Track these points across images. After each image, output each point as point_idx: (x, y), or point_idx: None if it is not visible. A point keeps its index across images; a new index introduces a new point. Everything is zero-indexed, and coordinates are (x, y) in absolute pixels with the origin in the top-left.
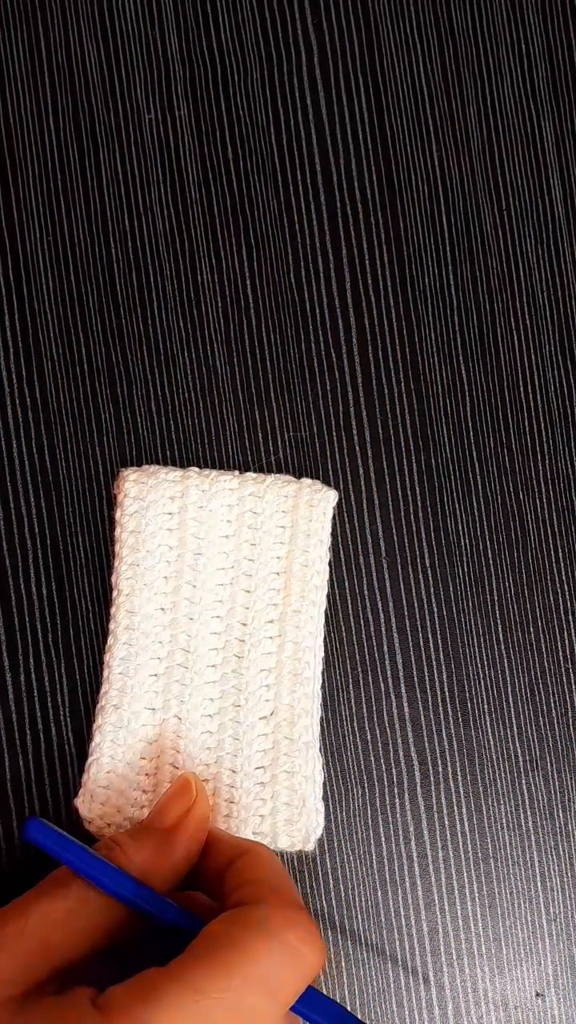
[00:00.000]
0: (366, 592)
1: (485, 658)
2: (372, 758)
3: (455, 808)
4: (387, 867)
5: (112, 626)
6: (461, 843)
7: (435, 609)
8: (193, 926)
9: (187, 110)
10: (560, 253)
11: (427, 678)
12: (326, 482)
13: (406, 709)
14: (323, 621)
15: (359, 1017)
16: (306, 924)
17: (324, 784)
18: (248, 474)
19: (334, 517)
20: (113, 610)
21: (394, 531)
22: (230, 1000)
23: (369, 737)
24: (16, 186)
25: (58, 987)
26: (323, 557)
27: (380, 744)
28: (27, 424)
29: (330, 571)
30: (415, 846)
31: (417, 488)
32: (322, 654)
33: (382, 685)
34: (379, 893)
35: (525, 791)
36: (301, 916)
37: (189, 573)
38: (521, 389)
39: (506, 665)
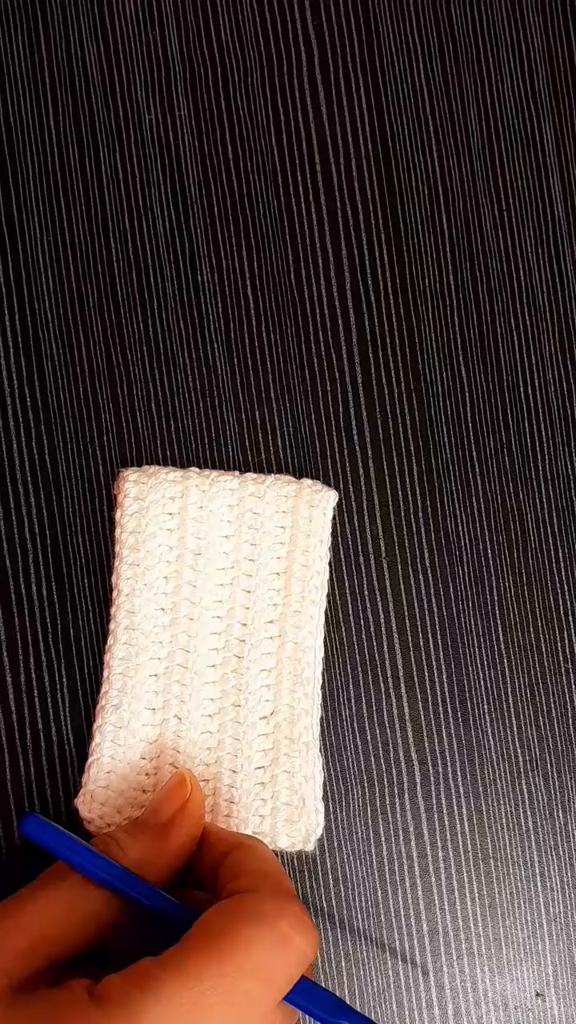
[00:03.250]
0: (366, 592)
1: (485, 658)
2: (372, 758)
3: (455, 808)
4: (387, 867)
5: (112, 626)
6: (461, 843)
7: (435, 609)
8: (188, 918)
9: (187, 110)
10: (560, 253)
11: (427, 678)
12: (326, 482)
13: (406, 709)
14: (323, 621)
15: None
16: (298, 912)
17: (324, 784)
18: (248, 474)
19: (334, 517)
20: (113, 610)
21: (394, 531)
22: (224, 987)
23: (369, 737)
24: (16, 186)
25: (55, 980)
26: (323, 557)
27: (380, 744)
28: (27, 424)
29: (330, 571)
30: (415, 846)
31: (417, 488)
32: (322, 654)
33: (382, 685)
34: (379, 893)
35: (525, 791)
36: (293, 905)
37: (189, 573)
38: (521, 389)
39: (506, 665)
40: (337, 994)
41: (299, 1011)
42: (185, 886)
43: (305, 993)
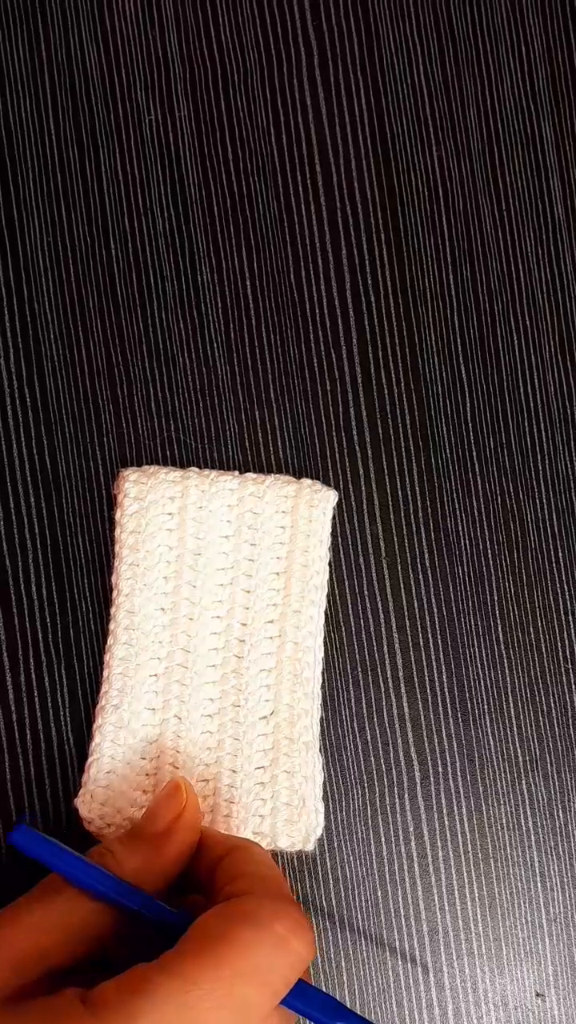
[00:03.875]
0: (366, 592)
1: (485, 658)
2: (372, 758)
3: (455, 808)
4: (387, 867)
5: (112, 626)
6: (461, 843)
7: (435, 609)
8: (185, 923)
9: (187, 110)
10: (560, 253)
11: (427, 678)
12: (326, 482)
13: (406, 709)
14: (323, 621)
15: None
16: (295, 915)
17: (324, 784)
18: (248, 474)
19: (334, 517)
20: (113, 610)
21: (394, 531)
22: (220, 991)
23: (369, 737)
24: (16, 186)
25: (52, 988)
26: (323, 557)
27: (380, 744)
28: (27, 424)
29: (330, 571)
30: (415, 846)
31: (417, 488)
32: (322, 654)
33: (382, 685)
34: (379, 893)
35: (525, 791)
36: (290, 908)
37: (189, 573)
38: (521, 389)
39: (506, 665)
40: (337, 995)
41: (296, 1014)
42: (182, 891)
43: (302, 996)
